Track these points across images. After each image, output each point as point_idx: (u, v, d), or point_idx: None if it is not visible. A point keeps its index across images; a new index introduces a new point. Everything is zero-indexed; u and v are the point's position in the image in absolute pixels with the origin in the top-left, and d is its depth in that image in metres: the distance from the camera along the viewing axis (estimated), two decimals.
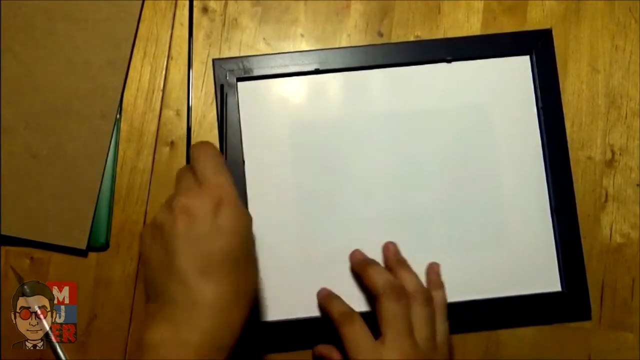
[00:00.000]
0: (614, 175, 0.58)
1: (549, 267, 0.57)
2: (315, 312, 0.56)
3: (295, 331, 0.56)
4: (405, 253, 0.56)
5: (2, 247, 0.57)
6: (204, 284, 0.43)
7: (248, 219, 0.46)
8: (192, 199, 0.45)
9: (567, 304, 0.56)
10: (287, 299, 0.56)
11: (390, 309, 0.50)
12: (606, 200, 0.58)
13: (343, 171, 0.57)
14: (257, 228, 0.55)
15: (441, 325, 0.52)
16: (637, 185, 0.58)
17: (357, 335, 0.50)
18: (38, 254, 0.57)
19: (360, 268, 0.54)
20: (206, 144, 0.49)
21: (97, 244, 0.57)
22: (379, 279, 0.52)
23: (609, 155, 0.58)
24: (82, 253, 0.57)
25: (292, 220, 0.57)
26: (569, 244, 0.56)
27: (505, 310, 0.55)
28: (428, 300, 0.52)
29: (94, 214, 0.57)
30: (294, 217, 0.57)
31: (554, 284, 0.56)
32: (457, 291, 0.55)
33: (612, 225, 0.58)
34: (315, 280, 0.56)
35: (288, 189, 0.57)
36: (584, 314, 0.57)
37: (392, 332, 0.49)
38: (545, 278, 0.56)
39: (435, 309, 0.52)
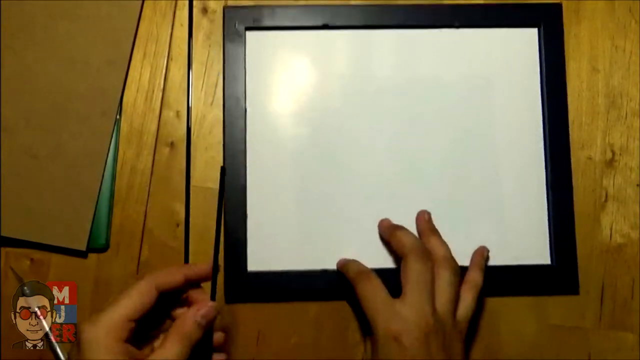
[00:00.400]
0: (614, 175, 0.58)
1: (540, 241, 0.57)
2: (305, 266, 0.56)
3: (285, 282, 0.56)
4: (401, 215, 0.56)
5: (2, 249, 0.57)
6: None
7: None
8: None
9: (556, 277, 0.56)
10: (279, 250, 0.57)
11: (414, 269, 0.51)
12: (606, 200, 0.58)
13: (344, 127, 0.58)
14: (254, 175, 0.56)
15: (468, 302, 0.52)
16: (637, 185, 0.58)
17: (373, 291, 0.50)
18: (38, 255, 0.57)
19: (388, 232, 0.55)
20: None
21: (97, 245, 0.57)
22: (407, 240, 0.53)
23: (609, 155, 0.58)
24: (82, 254, 0.57)
25: (290, 168, 0.57)
26: (562, 219, 0.57)
27: (495, 278, 0.56)
28: (454, 268, 0.52)
29: (94, 214, 0.57)
30: (293, 166, 0.57)
31: (543, 257, 0.57)
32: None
33: (612, 225, 0.58)
34: (310, 233, 0.57)
35: (288, 140, 0.58)
36: (572, 288, 0.57)
37: (413, 291, 0.50)
38: (535, 251, 0.57)
39: (465, 283, 0.53)
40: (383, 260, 0.56)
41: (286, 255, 0.57)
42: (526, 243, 0.57)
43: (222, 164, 0.57)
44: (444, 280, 0.51)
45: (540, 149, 0.58)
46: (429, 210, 0.57)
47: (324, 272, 0.56)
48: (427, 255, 0.52)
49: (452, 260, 0.53)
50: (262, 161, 0.57)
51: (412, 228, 0.56)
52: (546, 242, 0.57)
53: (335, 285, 0.56)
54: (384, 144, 0.58)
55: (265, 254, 0.56)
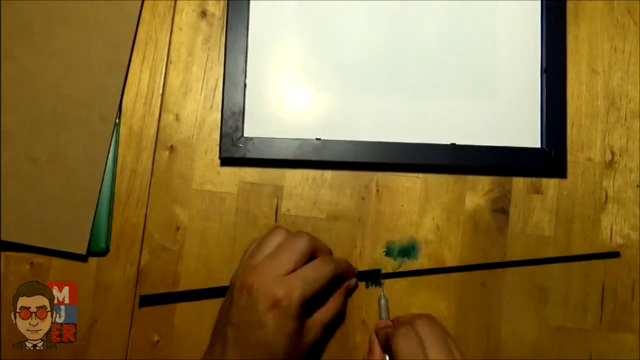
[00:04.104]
0: (614, 177, 0.58)
1: (531, 124, 0.58)
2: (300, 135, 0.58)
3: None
4: (395, 89, 0.58)
5: (2, 253, 0.57)
6: None
7: (295, 324, 0.49)
8: (261, 285, 0.49)
9: (546, 160, 0.57)
10: (276, 118, 0.58)
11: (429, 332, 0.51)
12: (606, 202, 0.58)
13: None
14: (254, 39, 0.59)
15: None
16: (637, 186, 0.58)
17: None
18: (38, 259, 0.57)
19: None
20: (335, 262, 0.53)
21: (97, 249, 0.57)
22: (418, 317, 0.54)
23: (608, 156, 0.58)
24: (82, 258, 0.57)
25: (290, 38, 0.59)
26: (554, 103, 0.58)
27: (486, 159, 0.57)
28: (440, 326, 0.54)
29: (94, 218, 0.57)
30: (293, 35, 0.59)
31: (534, 140, 0.58)
32: (442, 134, 0.58)
33: (612, 227, 0.58)
34: (306, 102, 0.58)
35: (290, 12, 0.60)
36: (560, 171, 0.58)
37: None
38: (527, 134, 0.58)
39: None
40: (377, 136, 0.58)
41: (282, 123, 0.58)
42: (517, 126, 0.58)
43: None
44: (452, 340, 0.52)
45: (536, 32, 0.59)
46: (424, 85, 0.59)
47: (317, 141, 0.57)
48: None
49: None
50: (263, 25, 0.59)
51: (407, 104, 0.58)
52: (537, 126, 0.58)
53: (326, 155, 0.57)
54: (382, 14, 0.59)
55: (261, 120, 0.58)
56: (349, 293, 0.57)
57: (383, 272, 0.57)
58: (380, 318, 0.56)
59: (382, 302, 0.56)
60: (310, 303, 0.51)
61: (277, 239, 0.53)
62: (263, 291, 0.49)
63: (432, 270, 0.57)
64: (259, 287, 0.49)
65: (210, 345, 0.52)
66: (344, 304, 0.56)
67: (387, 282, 0.57)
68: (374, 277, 0.57)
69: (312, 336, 0.52)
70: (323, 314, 0.53)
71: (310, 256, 0.52)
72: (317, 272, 0.51)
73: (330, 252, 0.57)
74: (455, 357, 0.50)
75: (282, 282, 0.49)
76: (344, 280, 0.56)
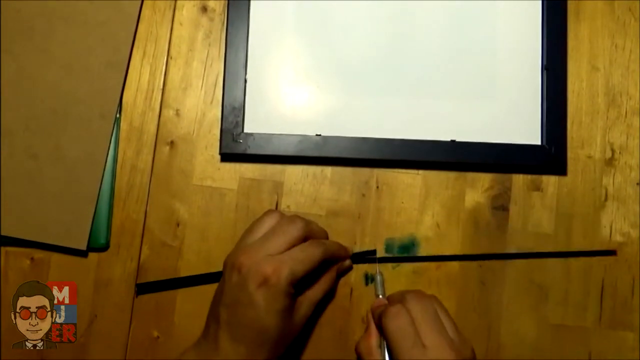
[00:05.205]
0: (614, 174, 0.58)
1: (532, 121, 0.58)
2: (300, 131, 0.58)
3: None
4: (400, 90, 0.58)
5: (3, 248, 0.57)
6: (224, 341, 0.49)
7: (285, 302, 0.50)
8: (252, 264, 0.50)
9: (546, 157, 0.57)
10: (276, 114, 0.58)
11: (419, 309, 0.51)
12: (606, 199, 0.58)
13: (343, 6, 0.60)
14: (255, 37, 0.58)
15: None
16: (637, 184, 0.58)
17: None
18: (38, 254, 0.57)
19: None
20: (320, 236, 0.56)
21: (98, 245, 0.57)
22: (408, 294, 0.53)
23: (608, 153, 0.58)
24: (82, 253, 0.57)
25: (291, 35, 0.59)
26: (555, 100, 0.58)
27: (486, 156, 0.57)
28: (436, 301, 0.54)
29: (94, 214, 0.57)
30: (293, 33, 0.59)
31: (534, 138, 0.58)
32: (443, 131, 0.58)
33: (612, 224, 0.58)
34: (306, 98, 0.59)
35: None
36: (560, 168, 0.58)
37: (431, 334, 0.50)
38: (527, 131, 0.58)
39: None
40: (378, 133, 0.57)
41: (282, 119, 0.58)
42: (517, 123, 0.58)
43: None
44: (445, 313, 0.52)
45: (537, 29, 0.59)
46: (425, 83, 0.59)
47: (318, 137, 0.57)
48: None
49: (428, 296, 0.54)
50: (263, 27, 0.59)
51: (407, 102, 0.58)
52: (537, 123, 0.58)
53: (326, 151, 0.57)
54: (383, 12, 0.59)
55: (262, 116, 0.58)
56: (343, 274, 0.57)
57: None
58: (376, 295, 0.56)
59: (378, 278, 0.56)
60: (302, 284, 0.52)
61: (270, 221, 0.54)
62: (253, 270, 0.49)
63: (428, 258, 0.58)
64: (249, 266, 0.50)
65: (206, 327, 0.52)
66: (335, 282, 0.56)
67: (388, 282, 0.57)
68: (368, 257, 0.57)
69: (303, 313, 0.52)
70: (313, 291, 0.54)
71: (304, 240, 0.53)
72: (306, 252, 0.52)
73: (326, 236, 0.57)
74: (448, 332, 0.50)
75: (271, 260, 0.50)
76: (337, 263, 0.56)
